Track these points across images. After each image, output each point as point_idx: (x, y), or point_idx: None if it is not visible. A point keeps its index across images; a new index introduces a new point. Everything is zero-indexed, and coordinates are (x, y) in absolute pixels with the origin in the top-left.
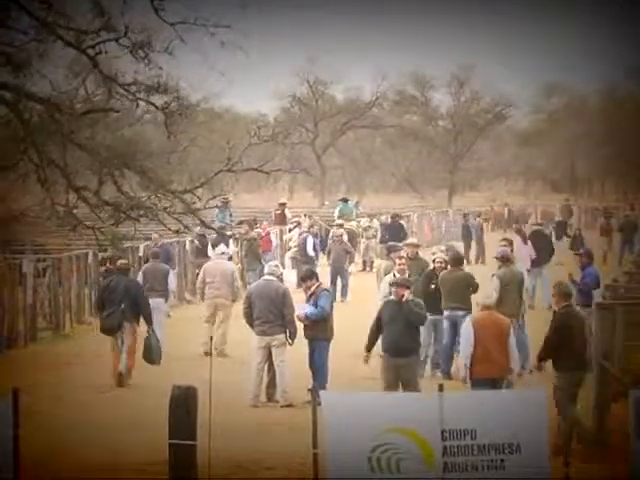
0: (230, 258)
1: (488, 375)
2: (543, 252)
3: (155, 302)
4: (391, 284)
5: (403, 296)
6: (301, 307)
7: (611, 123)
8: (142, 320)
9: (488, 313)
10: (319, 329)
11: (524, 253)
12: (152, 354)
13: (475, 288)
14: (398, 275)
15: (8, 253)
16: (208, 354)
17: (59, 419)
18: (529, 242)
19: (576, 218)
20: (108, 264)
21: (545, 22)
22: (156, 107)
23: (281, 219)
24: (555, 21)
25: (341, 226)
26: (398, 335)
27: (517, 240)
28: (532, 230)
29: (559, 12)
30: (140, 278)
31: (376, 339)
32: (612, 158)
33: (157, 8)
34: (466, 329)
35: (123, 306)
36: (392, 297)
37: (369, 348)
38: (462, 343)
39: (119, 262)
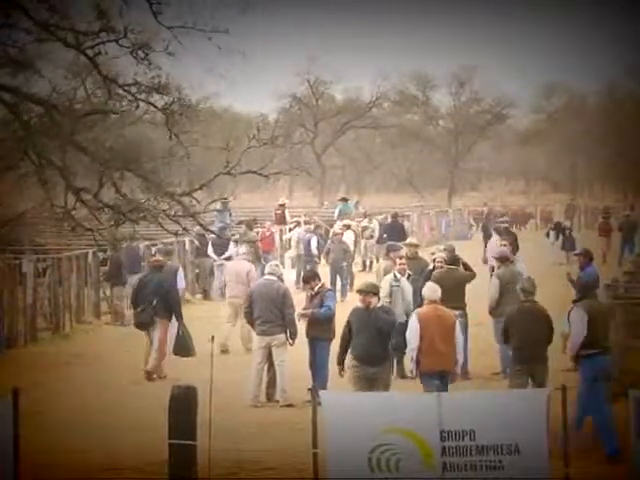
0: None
1: (435, 368)
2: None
3: None
4: (357, 291)
5: (370, 303)
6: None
7: (611, 123)
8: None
9: (433, 307)
10: (321, 329)
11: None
12: (185, 348)
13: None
14: (399, 275)
15: (8, 253)
16: (225, 352)
17: (59, 419)
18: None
19: (576, 218)
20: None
21: (545, 22)
22: (156, 108)
23: (281, 219)
24: (555, 21)
25: (348, 227)
26: (368, 343)
27: (495, 238)
28: (500, 227)
29: (559, 12)
30: None
31: (347, 348)
32: (612, 158)
33: (156, 12)
34: (411, 323)
35: (155, 302)
36: (359, 304)
37: (341, 359)
38: (408, 337)
39: (153, 259)
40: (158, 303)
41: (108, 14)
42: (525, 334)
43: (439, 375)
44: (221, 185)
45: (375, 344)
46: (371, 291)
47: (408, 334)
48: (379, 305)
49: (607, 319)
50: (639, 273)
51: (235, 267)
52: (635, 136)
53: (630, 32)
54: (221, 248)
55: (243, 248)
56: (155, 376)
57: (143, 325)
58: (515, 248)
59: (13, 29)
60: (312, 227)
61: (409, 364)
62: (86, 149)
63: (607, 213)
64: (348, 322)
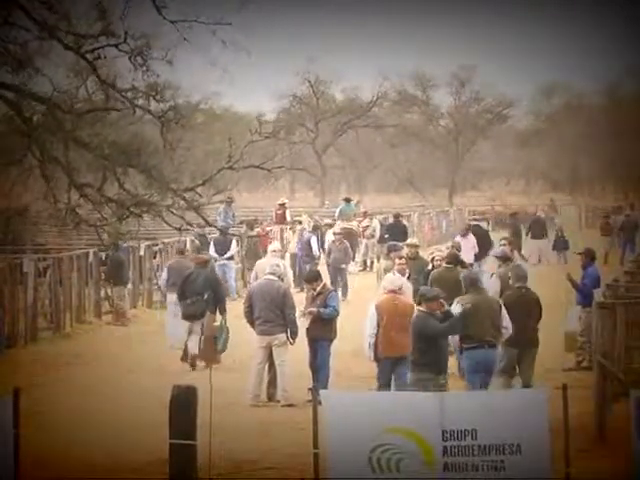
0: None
1: (390, 353)
2: (482, 247)
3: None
4: (427, 299)
5: (442, 305)
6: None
7: (612, 123)
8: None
9: (392, 297)
10: (322, 329)
11: (468, 247)
12: (219, 342)
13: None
14: (398, 275)
15: (9, 252)
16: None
17: (59, 419)
18: (472, 237)
19: (576, 217)
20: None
21: (545, 22)
22: (152, 115)
23: (281, 219)
24: (555, 21)
25: (330, 226)
26: (443, 352)
27: (459, 237)
28: (471, 225)
29: (559, 12)
30: (164, 274)
31: None
32: (613, 158)
33: (159, 6)
34: (370, 312)
35: (206, 296)
36: (425, 310)
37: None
38: (366, 325)
39: (199, 256)
40: (209, 297)
41: (109, 16)
42: (519, 319)
43: (395, 360)
44: (223, 182)
45: (446, 351)
46: (439, 296)
47: (367, 322)
48: (447, 308)
49: (492, 314)
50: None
51: (265, 265)
52: (635, 136)
53: (630, 32)
54: (223, 247)
55: (275, 245)
56: (198, 363)
57: (193, 317)
58: (489, 245)
59: (13, 28)
60: (312, 228)
61: (367, 349)
62: (88, 145)
63: (607, 212)
64: (425, 336)
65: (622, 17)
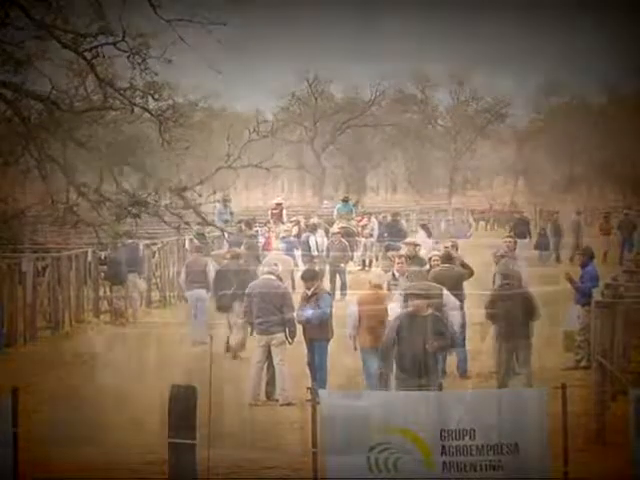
0: None
1: (370, 344)
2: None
3: (197, 293)
4: (407, 295)
5: (425, 308)
6: (302, 310)
7: (611, 123)
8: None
9: (374, 291)
10: (319, 330)
11: (429, 246)
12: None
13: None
14: (397, 274)
15: (7, 252)
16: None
17: (58, 418)
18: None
19: (574, 218)
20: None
21: (545, 22)
22: (151, 113)
23: (278, 218)
24: (555, 21)
25: (323, 228)
26: (420, 353)
27: (422, 234)
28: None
29: (559, 12)
30: (183, 272)
31: (392, 356)
32: (612, 158)
33: (155, 5)
34: (350, 307)
35: (233, 289)
36: (409, 310)
37: (389, 368)
38: (348, 318)
39: (232, 249)
40: (237, 289)
41: (107, 15)
42: (507, 314)
43: (375, 349)
44: (221, 181)
45: (426, 353)
46: (424, 295)
47: (348, 315)
48: (432, 312)
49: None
50: (638, 272)
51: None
52: (634, 136)
53: (631, 32)
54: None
55: (279, 243)
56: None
57: (223, 308)
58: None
59: (12, 27)
60: (311, 228)
61: (349, 340)
62: (85, 144)
63: (606, 212)
64: (396, 332)
65: (623, 17)
